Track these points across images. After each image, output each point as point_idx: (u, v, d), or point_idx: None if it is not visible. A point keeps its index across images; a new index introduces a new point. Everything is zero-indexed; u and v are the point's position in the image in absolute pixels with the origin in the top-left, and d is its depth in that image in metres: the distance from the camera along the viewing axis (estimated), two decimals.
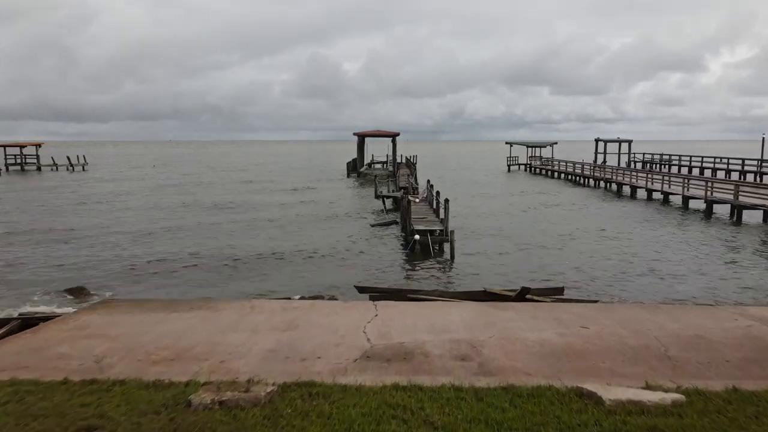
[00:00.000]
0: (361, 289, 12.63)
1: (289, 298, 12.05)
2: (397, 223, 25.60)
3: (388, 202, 32.69)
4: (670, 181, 34.36)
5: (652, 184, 35.73)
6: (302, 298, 12.78)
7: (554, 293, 11.54)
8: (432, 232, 19.25)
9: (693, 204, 30.67)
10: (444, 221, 19.51)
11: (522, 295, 10.94)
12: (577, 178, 51.22)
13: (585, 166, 50.91)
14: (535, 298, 11.02)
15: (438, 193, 23.37)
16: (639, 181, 38.61)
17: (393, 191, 34.67)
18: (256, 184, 47.59)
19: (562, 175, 56.12)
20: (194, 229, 23.12)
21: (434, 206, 23.92)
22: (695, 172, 54.37)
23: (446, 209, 19.28)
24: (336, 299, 12.49)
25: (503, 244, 20.80)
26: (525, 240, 21.50)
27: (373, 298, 11.46)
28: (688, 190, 31.53)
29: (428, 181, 28.55)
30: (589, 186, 46.32)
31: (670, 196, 33.14)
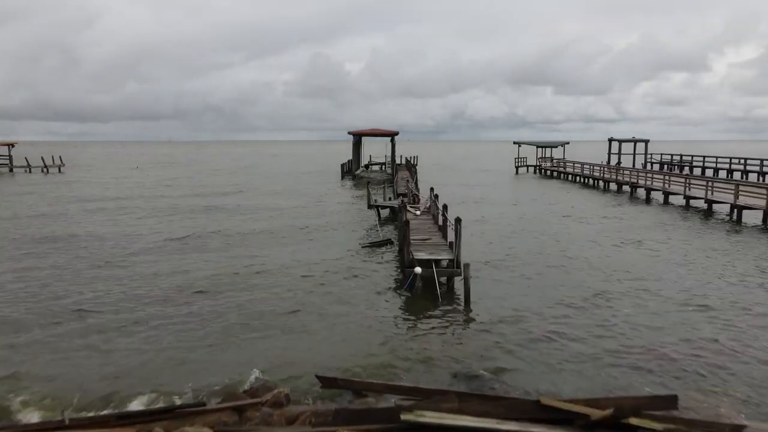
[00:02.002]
0: (326, 382, 7.67)
1: (202, 406, 7.03)
2: (392, 243, 20.45)
3: (384, 212, 27.68)
4: (713, 188, 29.36)
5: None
6: (244, 391, 7.83)
7: (664, 406, 6.53)
8: (438, 262, 14.20)
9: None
10: (455, 247, 14.43)
11: (616, 420, 5.94)
12: (597, 182, 45.92)
13: (605, 169, 45.69)
14: (634, 422, 6.02)
15: (445, 206, 18.25)
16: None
17: (390, 198, 29.66)
18: (239, 195, 40.48)
19: (577, 178, 50.93)
20: (140, 281, 15.48)
21: (440, 222, 18.80)
22: (722, 174, 49.65)
23: (457, 232, 14.18)
24: (285, 400, 7.52)
25: (538, 280, 15.34)
26: (569, 278, 15.64)
27: (338, 415, 6.48)
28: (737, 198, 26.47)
29: (431, 189, 23.37)
30: (610, 190, 41.05)
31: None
